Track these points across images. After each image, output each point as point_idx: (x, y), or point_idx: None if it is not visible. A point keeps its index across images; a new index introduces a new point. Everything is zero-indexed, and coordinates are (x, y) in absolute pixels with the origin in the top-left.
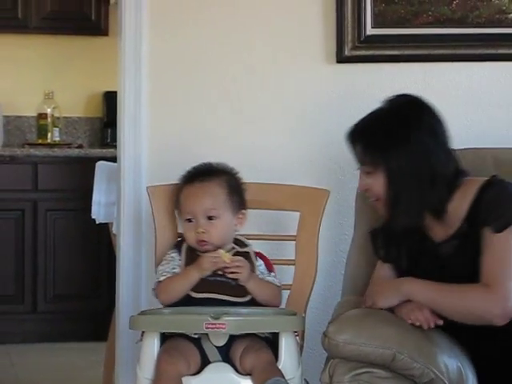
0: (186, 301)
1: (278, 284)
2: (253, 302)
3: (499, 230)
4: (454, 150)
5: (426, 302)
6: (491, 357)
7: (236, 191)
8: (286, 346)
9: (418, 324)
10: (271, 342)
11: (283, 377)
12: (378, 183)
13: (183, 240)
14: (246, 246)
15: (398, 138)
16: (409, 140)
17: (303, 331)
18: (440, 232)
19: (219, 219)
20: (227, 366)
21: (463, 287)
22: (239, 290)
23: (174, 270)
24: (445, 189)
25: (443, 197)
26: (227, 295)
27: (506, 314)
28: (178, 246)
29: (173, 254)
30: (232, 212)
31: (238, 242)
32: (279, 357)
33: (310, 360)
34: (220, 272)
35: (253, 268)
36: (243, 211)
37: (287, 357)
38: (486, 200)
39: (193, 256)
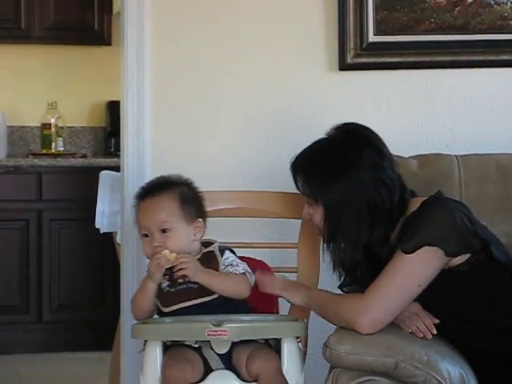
0: (162, 316)
1: (242, 271)
2: (222, 298)
3: (406, 251)
4: (400, 175)
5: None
6: (492, 363)
7: (188, 201)
8: (289, 352)
9: (421, 335)
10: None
11: None
12: (318, 215)
13: None
14: (210, 244)
15: (337, 173)
16: (347, 176)
17: (306, 337)
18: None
19: (173, 231)
20: (230, 374)
21: (344, 296)
22: (203, 290)
23: None
24: (386, 223)
25: (383, 232)
26: (193, 299)
27: (368, 322)
28: None
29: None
30: (186, 222)
31: (204, 243)
32: (282, 363)
33: (315, 368)
34: (181, 280)
35: (216, 264)
36: (199, 219)
37: (290, 363)
38: (407, 222)
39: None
